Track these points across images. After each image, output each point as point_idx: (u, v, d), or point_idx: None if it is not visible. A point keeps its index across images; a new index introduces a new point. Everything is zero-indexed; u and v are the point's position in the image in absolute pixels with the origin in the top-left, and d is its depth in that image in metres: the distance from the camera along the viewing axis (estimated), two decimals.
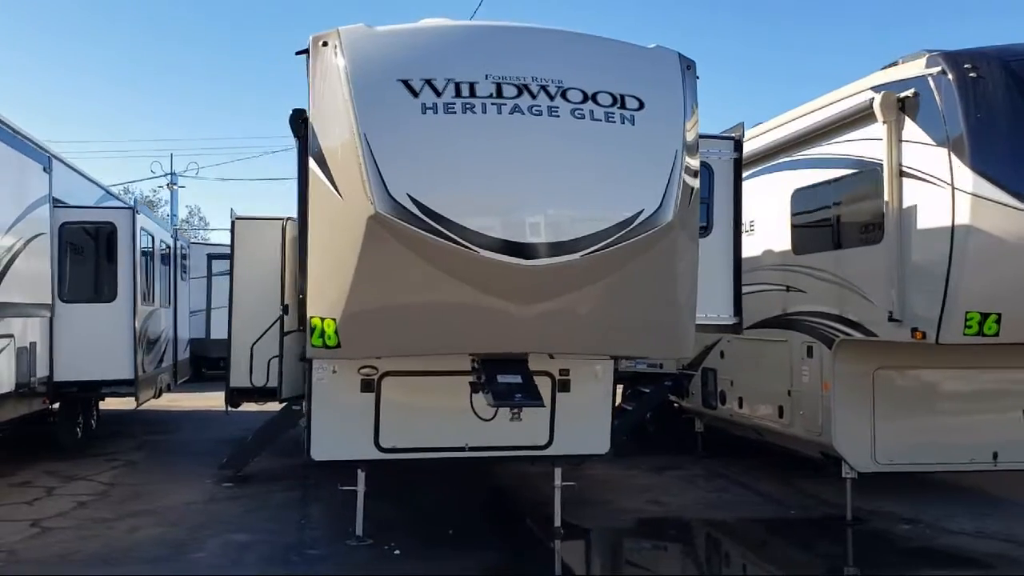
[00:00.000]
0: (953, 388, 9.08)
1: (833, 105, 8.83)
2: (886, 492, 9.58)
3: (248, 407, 12.68)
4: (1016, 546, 8.15)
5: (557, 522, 8.52)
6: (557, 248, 5.91)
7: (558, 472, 8.53)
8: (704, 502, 9.90)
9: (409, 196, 5.79)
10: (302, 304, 7.03)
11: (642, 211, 6.04)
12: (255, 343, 11.77)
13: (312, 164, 6.30)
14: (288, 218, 11.06)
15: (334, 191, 6.07)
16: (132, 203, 15.72)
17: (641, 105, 6.22)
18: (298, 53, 6.48)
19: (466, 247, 5.81)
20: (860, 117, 8.28)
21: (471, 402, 7.45)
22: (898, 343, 8.34)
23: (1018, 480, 9.61)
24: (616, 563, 8.63)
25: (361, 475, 8.12)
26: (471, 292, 6.04)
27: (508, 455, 8.44)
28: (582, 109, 6.09)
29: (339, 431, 8.02)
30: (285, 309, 10.67)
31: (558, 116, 6.04)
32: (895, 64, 9.53)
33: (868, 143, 8.26)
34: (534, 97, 6.04)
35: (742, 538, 8.86)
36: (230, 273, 12.37)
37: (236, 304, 12.22)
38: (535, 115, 6.01)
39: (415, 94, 5.95)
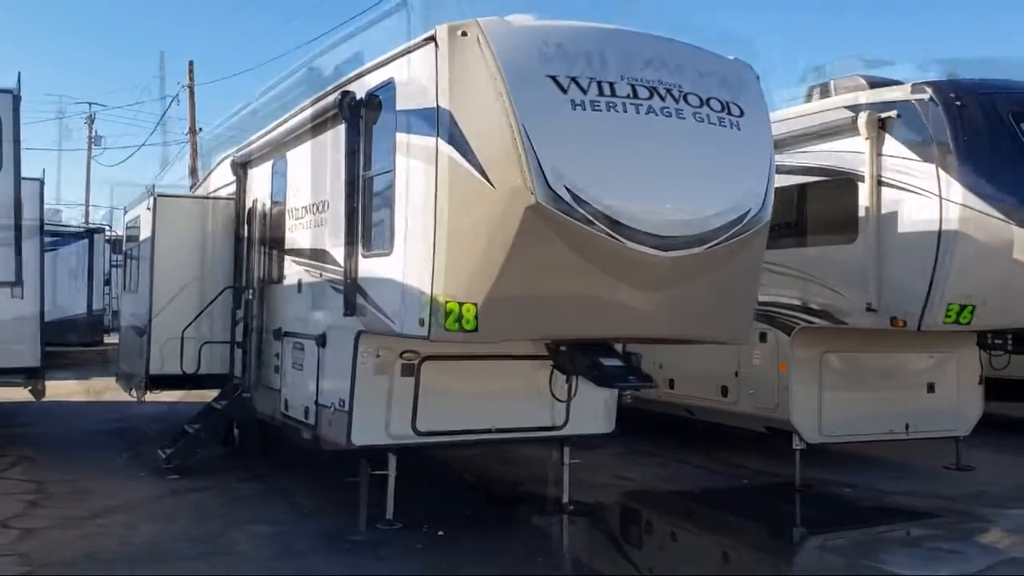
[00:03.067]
0: (878, 368, 10.52)
1: (802, 119, 9.94)
2: (811, 463, 10.89)
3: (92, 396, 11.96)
4: (949, 500, 9.66)
5: (566, 498, 8.99)
6: (689, 241, 6.43)
7: (567, 451, 9.00)
8: (661, 477, 10.75)
9: (566, 188, 6.07)
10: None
11: (750, 210, 6.70)
12: (186, 328, 11.17)
13: (446, 150, 6.38)
14: (254, 198, 10.63)
15: (483, 180, 6.21)
16: None
17: (742, 112, 6.87)
18: (426, 40, 6.52)
19: (615, 238, 6.19)
20: (835, 131, 9.43)
21: (550, 383, 7.76)
22: (842, 330, 9.64)
23: (919, 447, 11.27)
24: (634, 532, 9.28)
25: (392, 460, 8.15)
26: (608, 280, 6.41)
27: (530, 436, 8.79)
28: (700, 113, 6.64)
29: (380, 415, 8.01)
30: (250, 292, 10.30)
31: (684, 119, 6.56)
32: (825, 85, 10.88)
33: (841, 154, 9.43)
34: (663, 99, 6.52)
35: (717, 505, 9.81)
36: (150, 254, 11.60)
37: (157, 287, 11.51)
38: (666, 116, 6.49)
39: (563, 90, 6.23)
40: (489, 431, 8.44)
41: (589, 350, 7.05)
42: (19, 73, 11.61)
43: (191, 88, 31.57)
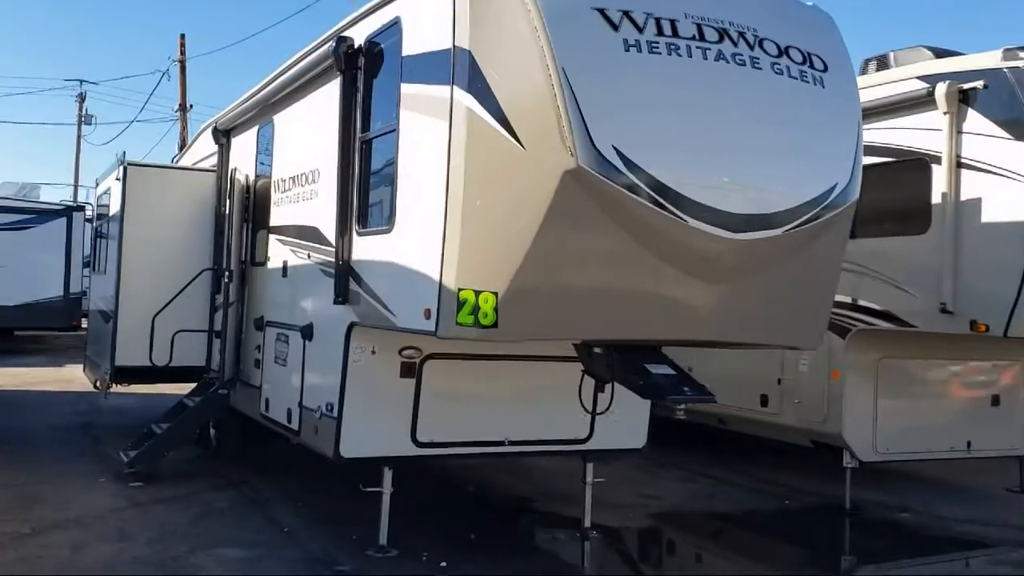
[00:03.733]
0: (939, 377, 9.32)
1: (861, 92, 8.67)
2: (858, 482, 9.67)
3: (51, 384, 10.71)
4: (1018, 530, 8.45)
5: (587, 522, 7.76)
6: (763, 221, 5.18)
7: (590, 468, 7.77)
8: (691, 495, 9.51)
9: (615, 149, 4.82)
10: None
11: (836, 185, 5.46)
12: (157, 314, 9.90)
13: (464, 100, 5.11)
14: (234, 168, 9.35)
15: (509, 137, 4.95)
16: None
17: (825, 66, 5.62)
18: None
19: (673, 214, 4.94)
20: (903, 105, 8.18)
21: (580, 392, 6.51)
22: (900, 333, 8.41)
23: (973, 466, 10.06)
24: (667, 562, 8.03)
25: (388, 474, 6.91)
26: (661, 268, 5.17)
27: (547, 450, 7.56)
28: (779, 63, 5.39)
29: (374, 423, 6.78)
30: (228, 275, 9.03)
31: (760, 68, 5.30)
32: (883, 58, 9.60)
33: (910, 132, 8.18)
34: (735, 44, 5.27)
35: (758, 529, 8.58)
36: (118, 229, 10.30)
37: (126, 268, 10.24)
38: (739, 65, 5.24)
39: (615, 27, 4.98)
40: (501, 443, 7.22)
41: (630, 353, 5.80)
42: None
43: (182, 63, 30.18)
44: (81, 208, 22.55)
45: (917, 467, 10.22)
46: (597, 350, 5.92)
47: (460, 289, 5.09)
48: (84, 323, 22.86)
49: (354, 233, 6.63)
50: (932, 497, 9.58)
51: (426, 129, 5.56)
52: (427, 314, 5.37)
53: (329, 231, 7.06)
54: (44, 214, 21.43)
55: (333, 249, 6.89)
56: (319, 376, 7.21)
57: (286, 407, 7.77)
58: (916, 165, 8.10)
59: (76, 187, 45.73)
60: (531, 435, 7.34)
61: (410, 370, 6.81)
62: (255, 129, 9.37)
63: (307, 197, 7.69)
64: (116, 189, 10.70)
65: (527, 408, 7.28)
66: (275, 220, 8.57)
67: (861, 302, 8.64)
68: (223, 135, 10.33)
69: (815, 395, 9.04)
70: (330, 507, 8.26)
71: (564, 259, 5.08)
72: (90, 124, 47.92)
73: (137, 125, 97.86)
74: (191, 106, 30.37)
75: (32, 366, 18.84)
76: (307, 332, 7.39)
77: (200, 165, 11.43)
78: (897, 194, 8.47)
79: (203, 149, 11.52)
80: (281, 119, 8.56)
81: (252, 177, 9.34)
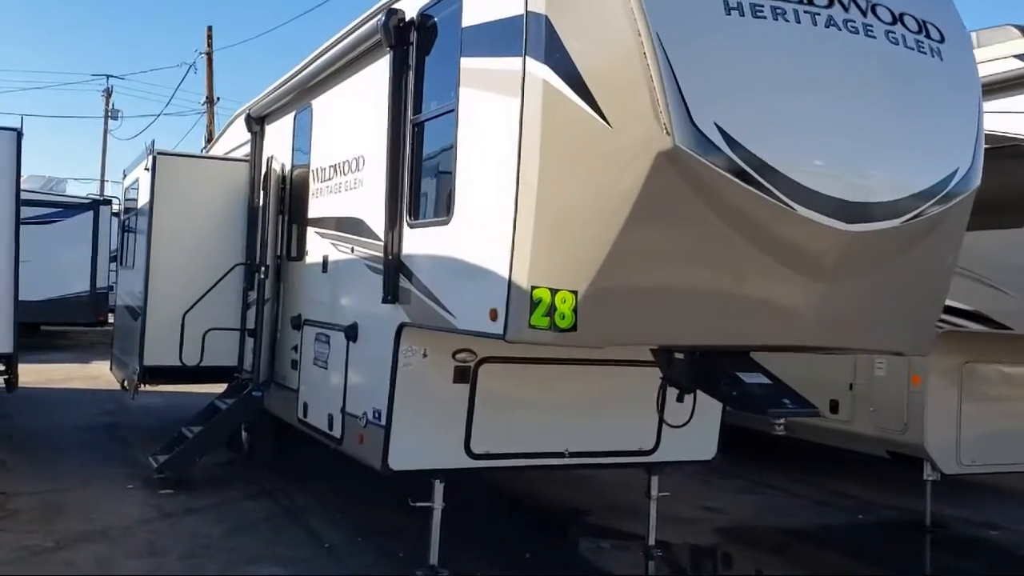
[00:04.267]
0: None
1: None
2: (936, 495, 8.99)
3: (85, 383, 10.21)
4: None
5: (652, 540, 7.16)
6: (879, 211, 4.54)
7: (655, 481, 7.16)
8: (757, 508, 8.87)
9: (717, 127, 4.19)
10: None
11: (956, 171, 4.81)
12: (188, 311, 9.37)
13: (540, 72, 4.50)
14: (270, 157, 8.79)
15: (594, 115, 4.33)
16: None
17: (942, 37, 4.96)
18: None
19: (782, 202, 4.30)
20: (1000, 87, 7.47)
21: (658, 401, 5.90)
22: (987, 336, 7.74)
23: None
24: None
25: (439, 488, 6.32)
26: (762, 262, 4.53)
27: (610, 462, 6.94)
28: (894, 32, 4.74)
29: (425, 432, 6.19)
30: (264, 271, 8.49)
31: (874, 37, 4.65)
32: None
33: (1005, 116, 7.47)
34: (846, 9, 4.62)
35: (836, 547, 7.92)
36: (147, 222, 9.78)
37: (155, 263, 9.71)
38: (852, 32, 4.59)
39: None
40: (561, 455, 6.62)
41: (718, 359, 5.17)
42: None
43: (209, 55, 29.78)
44: (108, 202, 22.15)
45: (1002, 480, 9.52)
46: (679, 355, 5.29)
47: (534, 287, 4.48)
48: (111, 318, 22.57)
49: (405, 226, 6.04)
50: (1021, 513, 8.88)
51: (492, 107, 4.96)
52: (493, 315, 4.77)
53: (376, 223, 6.48)
54: (70, 208, 21.04)
55: (380, 243, 6.32)
56: (364, 380, 6.64)
57: (327, 413, 7.20)
58: (1014, 151, 7.41)
59: (103, 182, 45.52)
60: (593, 446, 6.74)
61: (464, 375, 6.23)
62: (291, 115, 8.81)
63: (350, 187, 7.11)
64: (145, 180, 10.19)
65: (589, 416, 6.68)
66: (314, 212, 8.01)
67: (947, 301, 7.93)
68: (256, 122, 9.79)
69: (893, 402, 8.36)
70: (373, 519, 7.70)
71: (654, 253, 4.46)
72: (116, 119, 47.80)
73: (164, 119, 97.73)
74: (218, 99, 29.99)
75: (58, 362, 18.44)
76: (351, 332, 6.82)
77: (232, 155, 10.89)
78: (993, 182, 7.75)
79: (235, 138, 10.99)
80: (321, 104, 7.99)
81: (288, 167, 8.78)
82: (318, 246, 7.82)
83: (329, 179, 7.64)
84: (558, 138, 4.45)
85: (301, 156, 8.54)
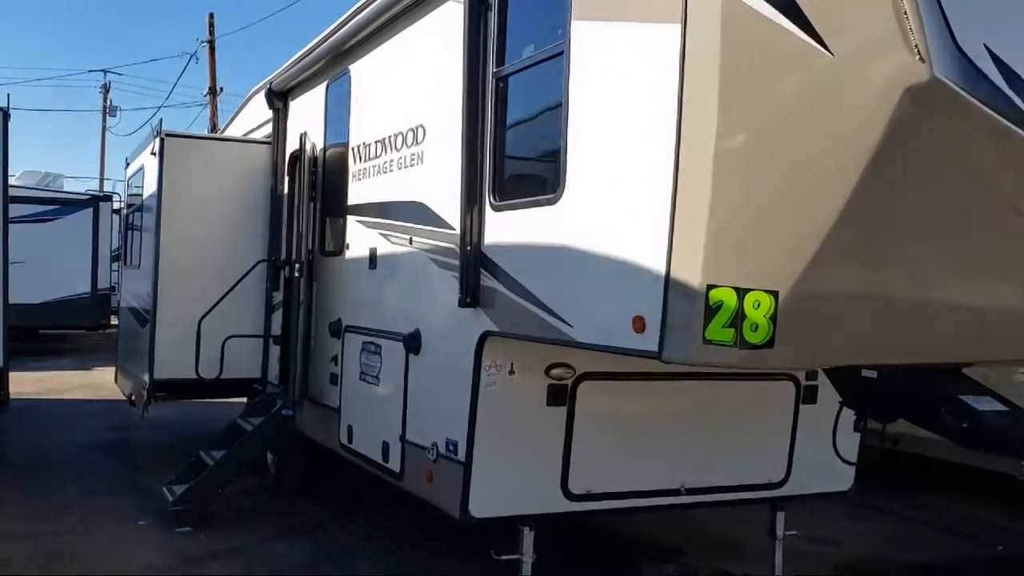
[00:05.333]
0: None
1: None
2: None
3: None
4: None
5: None
6: None
7: (781, 518, 5.90)
8: (883, 539, 7.57)
9: (989, 51, 2.90)
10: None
11: None
12: (204, 317, 8.10)
13: None
14: (303, 133, 7.49)
15: (804, 39, 3.04)
16: None
17: None
18: None
19: None
20: None
21: (833, 437, 4.62)
22: None
23: None
24: None
25: (529, 537, 5.07)
26: None
27: (734, 498, 5.65)
28: None
29: (514, 469, 4.94)
30: (297, 268, 7.22)
31: None
32: None
33: None
34: None
35: None
36: (155, 214, 8.50)
37: (165, 261, 8.43)
38: None
39: None
40: (677, 492, 5.36)
41: (926, 378, 3.88)
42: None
43: (211, 44, 28.42)
44: (108, 198, 20.87)
45: None
46: (869, 373, 4.00)
47: (710, 287, 3.19)
48: (113, 320, 21.30)
49: (487, 208, 4.77)
50: None
51: (626, 43, 3.67)
52: (639, 325, 3.50)
53: (444, 207, 5.22)
54: (69, 205, 19.75)
55: (451, 231, 5.07)
56: (432, 402, 5.37)
57: (380, 440, 5.93)
58: None
59: (101, 179, 44.24)
60: (714, 480, 5.49)
61: (560, 395, 4.97)
62: (323, 86, 7.52)
63: (406, 164, 5.83)
64: (151, 166, 8.91)
65: (709, 444, 5.44)
66: (355, 197, 6.73)
67: None
68: (279, 98, 8.51)
69: None
70: (434, 564, 6.43)
71: (890, 231, 3.17)
72: (115, 115, 46.52)
73: (164, 113, 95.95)
74: (221, 89, 28.59)
75: (58, 369, 17.19)
76: (412, 342, 5.55)
77: (250, 137, 9.62)
78: None
79: (253, 118, 9.70)
80: (362, 68, 6.71)
81: (320, 146, 7.50)
82: (362, 238, 6.54)
83: (375, 157, 6.36)
84: (746, 75, 3.16)
85: (336, 133, 7.26)
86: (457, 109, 4.96)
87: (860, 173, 2.99)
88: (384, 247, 6.16)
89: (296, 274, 7.18)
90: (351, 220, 6.79)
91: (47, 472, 8.95)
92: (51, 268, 18.21)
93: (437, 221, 5.33)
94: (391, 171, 6.07)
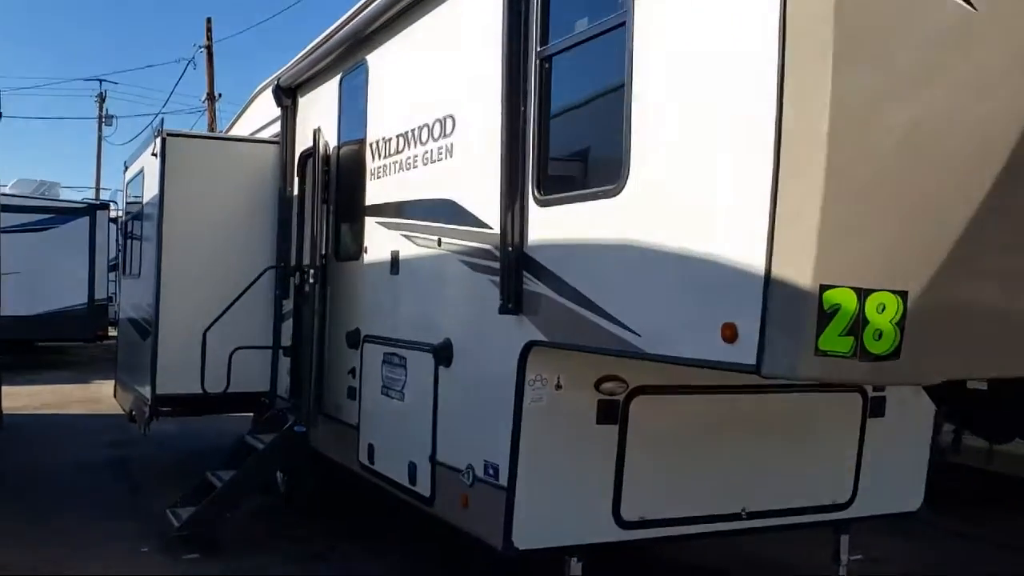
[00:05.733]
0: None
1: None
2: None
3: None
4: None
5: None
6: None
7: (845, 541, 5.40)
8: (935, 556, 7.05)
9: None
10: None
11: None
12: (209, 327, 7.59)
13: None
14: (317, 128, 7.00)
15: None
16: None
17: None
18: None
19: None
20: None
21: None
22: None
23: None
24: None
25: (576, 568, 4.56)
26: None
27: (798, 521, 5.14)
28: None
29: (562, 495, 4.43)
30: (309, 274, 6.73)
31: None
32: None
33: None
34: None
35: None
36: (156, 218, 8.00)
37: (168, 268, 7.93)
38: None
39: None
40: (738, 516, 4.85)
41: None
42: None
43: (209, 48, 27.96)
44: (105, 206, 20.36)
45: None
46: (978, 385, 3.50)
47: (824, 287, 2.69)
48: (111, 331, 20.77)
49: (531, 204, 4.27)
50: None
51: (706, 6, 3.17)
52: (729, 333, 3.00)
53: (478, 203, 4.73)
54: (65, 213, 19.22)
55: (488, 230, 4.58)
56: (467, 420, 4.87)
57: (406, 461, 5.42)
58: None
59: (98, 189, 43.76)
60: (777, 502, 4.99)
61: (611, 412, 4.48)
62: (336, 79, 7.03)
63: (432, 159, 5.33)
64: (152, 168, 8.40)
65: (772, 462, 4.94)
66: (374, 197, 6.23)
67: None
68: (287, 94, 8.02)
69: None
70: None
71: None
72: (111, 124, 46.11)
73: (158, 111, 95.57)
74: (219, 95, 28.13)
75: (54, 382, 16.65)
76: (442, 353, 5.05)
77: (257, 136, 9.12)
78: None
79: (258, 118, 9.21)
80: (381, 57, 6.22)
81: (333, 144, 7.00)
82: (382, 240, 6.04)
83: (396, 153, 5.86)
84: (865, 33, 2.66)
85: (352, 129, 6.77)
86: (493, 95, 4.47)
87: (1009, 150, 2.51)
88: (408, 250, 5.66)
89: (311, 280, 6.68)
90: (369, 222, 6.30)
91: (44, 494, 8.44)
92: (47, 279, 17.72)
93: (470, 220, 4.84)
94: (415, 167, 5.58)
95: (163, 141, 7.92)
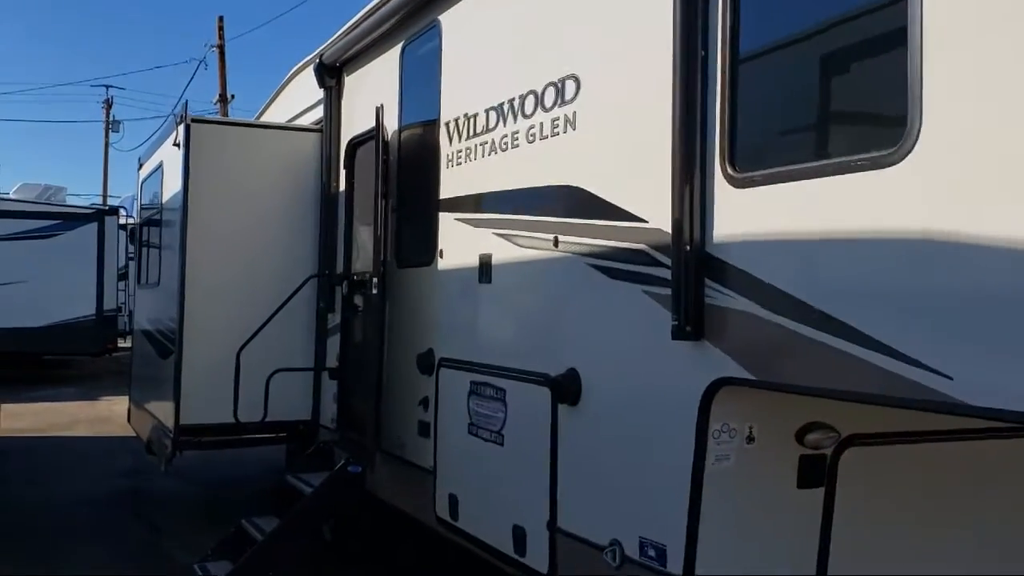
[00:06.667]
0: None
1: None
2: None
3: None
4: None
5: None
6: None
7: None
8: None
9: None
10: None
11: None
12: (244, 346, 6.41)
13: None
14: (380, 106, 5.81)
15: None
16: None
17: None
18: None
19: None
20: None
21: None
22: None
23: None
24: None
25: None
26: None
27: None
28: None
29: None
30: (375, 283, 5.56)
31: None
32: None
33: None
34: None
35: None
36: (180, 218, 6.82)
37: (193, 276, 6.78)
38: None
39: None
40: None
41: None
42: None
43: (221, 48, 26.84)
44: (114, 211, 19.21)
45: None
46: None
47: None
48: (121, 343, 19.62)
49: (718, 184, 3.07)
50: None
51: None
52: None
53: (617, 188, 3.55)
54: (71, 219, 18.09)
55: (638, 224, 3.40)
56: (607, 479, 3.66)
57: (509, 523, 4.21)
58: None
59: (105, 197, 42.74)
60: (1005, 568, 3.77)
61: (817, 470, 3.27)
62: (395, 50, 5.86)
63: (544, 133, 4.14)
64: (173, 162, 7.24)
65: (996, 522, 3.72)
66: (452, 188, 5.04)
67: None
68: (331, 73, 6.85)
69: None
70: None
71: None
72: (117, 131, 45.18)
73: (168, 113, 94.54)
74: (232, 96, 26.98)
75: (60, 399, 15.50)
76: (565, 388, 3.85)
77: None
78: None
79: (293, 105, 8.05)
80: (459, 14, 5.03)
81: (394, 127, 5.82)
82: (465, 241, 4.85)
83: (485, 132, 4.67)
84: None
85: (418, 107, 5.60)
86: (650, 38, 3.28)
87: None
88: (504, 252, 4.46)
89: (373, 291, 5.48)
90: (445, 219, 5.10)
91: (48, 537, 7.27)
92: (53, 288, 16.62)
93: (607, 211, 3.64)
94: (514, 147, 4.39)
95: (187, 128, 6.74)
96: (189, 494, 8.68)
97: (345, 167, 6.64)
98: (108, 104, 44.45)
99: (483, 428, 4.52)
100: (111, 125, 45.18)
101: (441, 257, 5.15)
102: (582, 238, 3.82)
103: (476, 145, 4.78)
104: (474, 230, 4.77)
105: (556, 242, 3.99)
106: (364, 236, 6.40)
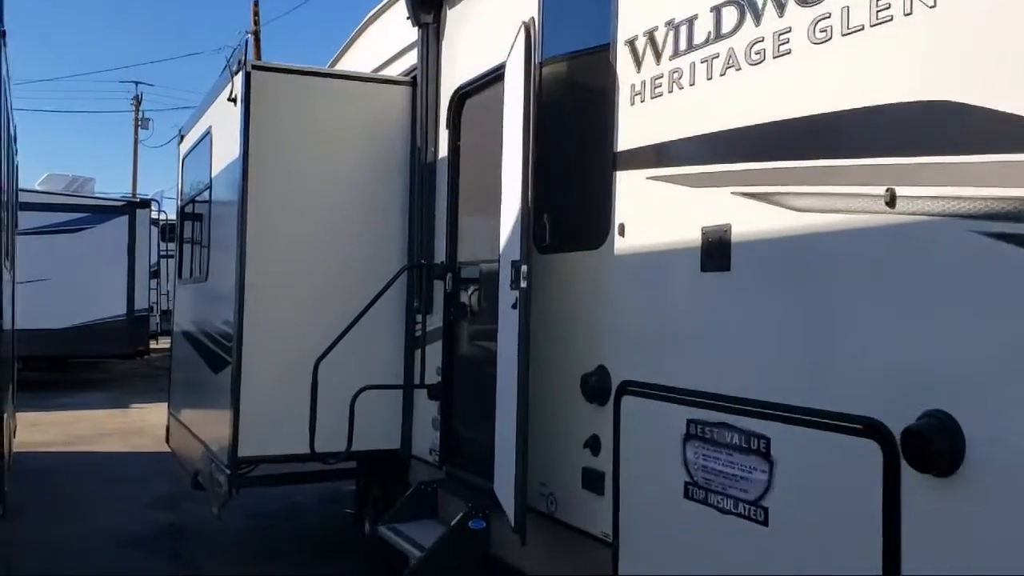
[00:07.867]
0: None
1: None
2: None
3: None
4: None
5: None
6: None
7: None
8: None
9: None
10: None
11: None
12: (323, 357, 4.88)
13: None
14: (525, 22, 4.25)
15: None
16: None
17: None
18: None
19: None
20: None
21: None
22: None
23: None
24: None
25: None
26: None
27: None
28: None
29: None
30: (524, 272, 3.97)
31: None
32: None
33: None
34: None
35: None
36: (239, 193, 5.29)
37: (254, 268, 5.23)
38: None
39: None
40: None
41: None
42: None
43: (256, 35, 25.44)
44: (146, 204, 17.87)
45: None
46: None
47: None
48: (153, 344, 18.25)
49: None
50: None
51: None
52: None
53: None
54: (101, 212, 16.73)
55: None
56: None
57: None
58: None
59: (134, 193, 41.73)
60: None
61: None
62: None
63: (852, 24, 2.56)
64: (227, 123, 5.73)
65: None
66: (643, 133, 3.48)
67: None
68: (427, 7, 5.31)
69: None
70: None
71: None
72: (147, 128, 44.25)
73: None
74: None
75: (88, 407, 14.13)
76: (922, 445, 2.25)
77: None
78: None
79: (370, 56, 6.52)
80: None
81: (536, 60, 4.24)
82: (673, 209, 3.28)
83: (716, 39, 3.10)
84: None
85: (570, 30, 4.05)
86: None
87: None
88: (758, 221, 2.88)
89: (523, 284, 3.89)
90: (630, 179, 3.54)
91: None
92: (80, 286, 15.28)
93: (1017, 137, 2.05)
94: (781, 53, 2.82)
95: (247, 76, 5.22)
96: (238, 529, 7.18)
97: (449, 126, 5.10)
98: (137, 101, 43.55)
99: (720, 494, 2.95)
100: (140, 122, 44.29)
101: (621, 235, 3.59)
102: (960, 188, 2.23)
103: (694, 63, 3.21)
104: (691, 192, 3.20)
105: (892, 198, 2.41)
106: (475, 215, 4.88)
